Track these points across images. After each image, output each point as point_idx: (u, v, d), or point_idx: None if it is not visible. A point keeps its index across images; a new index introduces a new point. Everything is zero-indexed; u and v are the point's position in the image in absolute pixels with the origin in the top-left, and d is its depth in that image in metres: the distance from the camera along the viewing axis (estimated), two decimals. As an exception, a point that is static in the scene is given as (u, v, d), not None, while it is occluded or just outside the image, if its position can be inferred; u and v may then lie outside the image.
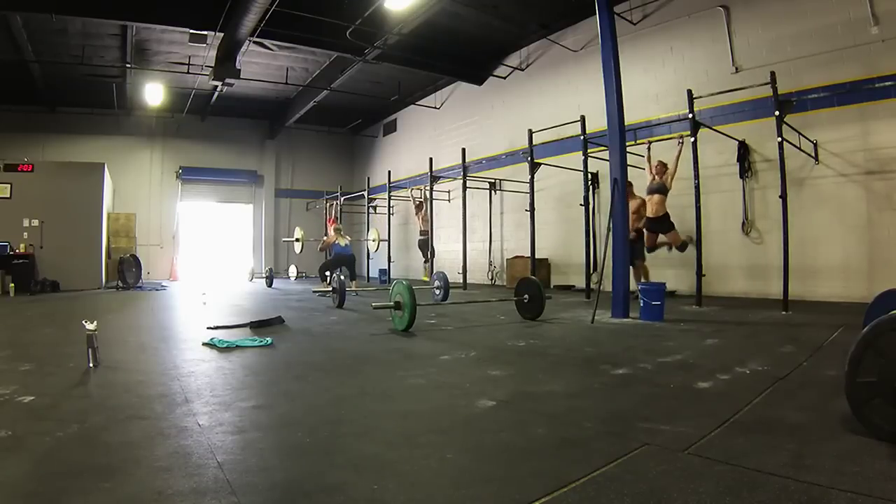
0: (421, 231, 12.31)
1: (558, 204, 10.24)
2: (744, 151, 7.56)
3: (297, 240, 14.56)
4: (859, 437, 1.87)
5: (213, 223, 16.94)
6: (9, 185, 10.48)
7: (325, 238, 12.24)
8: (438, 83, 13.81)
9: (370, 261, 14.78)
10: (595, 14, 5.98)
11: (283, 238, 16.43)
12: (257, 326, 5.01)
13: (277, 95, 14.58)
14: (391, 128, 16.70)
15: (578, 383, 2.92)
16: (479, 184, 11.47)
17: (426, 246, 12.04)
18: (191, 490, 1.51)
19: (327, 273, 10.15)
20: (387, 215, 13.55)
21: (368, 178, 14.24)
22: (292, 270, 15.70)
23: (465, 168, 10.79)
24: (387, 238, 13.29)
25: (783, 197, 5.80)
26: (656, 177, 7.05)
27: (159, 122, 15.28)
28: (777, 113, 5.84)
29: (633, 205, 7.09)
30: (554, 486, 1.54)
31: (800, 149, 6.72)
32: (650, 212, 7.02)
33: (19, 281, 9.71)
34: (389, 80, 13.24)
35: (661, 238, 7.12)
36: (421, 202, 12.41)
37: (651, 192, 7.05)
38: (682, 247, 7.02)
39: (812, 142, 6.88)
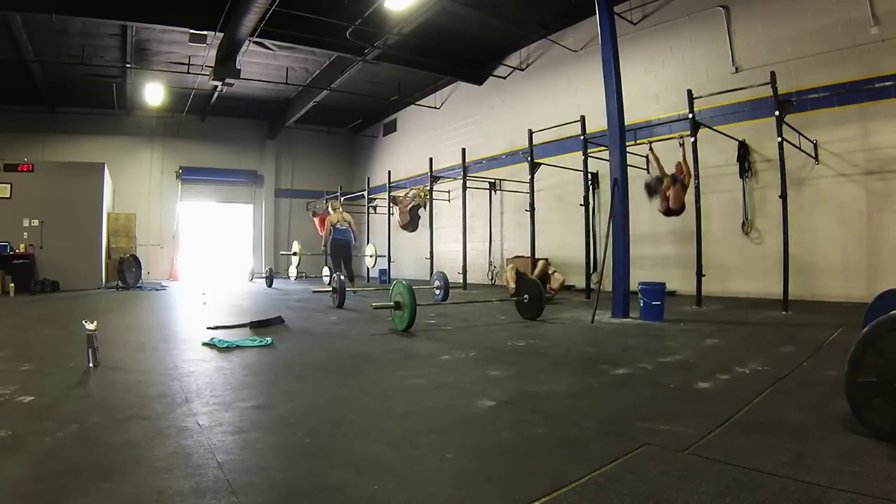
0: (401, 227, 12.03)
1: (558, 204, 10.24)
2: (744, 151, 7.56)
3: (295, 254, 13.97)
4: (859, 437, 1.87)
5: (213, 223, 16.93)
6: (9, 185, 10.48)
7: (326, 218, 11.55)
8: (438, 83, 13.81)
9: (370, 259, 14.77)
10: (595, 14, 5.98)
11: (281, 251, 16.20)
12: (257, 326, 5.01)
13: (277, 95, 14.58)
14: (391, 128, 16.70)
15: (578, 383, 2.92)
16: (479, 184, 11.46)
17: (415, 217, 11.73)
18: (191, 490, 1.52)
19: (339, 271, 9.65)
20: (387, 215, 13.55)
21: (368, 178, 14.24)
22: (292, 271, 15.67)
23: (465, 168, 10.79)
24: (386, 239, 13.30)
25: (783, 197, 5.80)
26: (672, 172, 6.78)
27: (159, 122, 15.28)
28: (777, 113, 5.84)
29: None
30: (554, 486, 1.54)
31: (800, 149, 6.72)
32: (674, 205, 6.73)
33: (19, 281, 9.71)
34: (389, 80, 13.24)
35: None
36: (396, 197, 12.12)
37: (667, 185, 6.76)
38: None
39: (812, 142, 6.88)
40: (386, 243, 13.29)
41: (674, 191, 6.70)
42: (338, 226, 9.48)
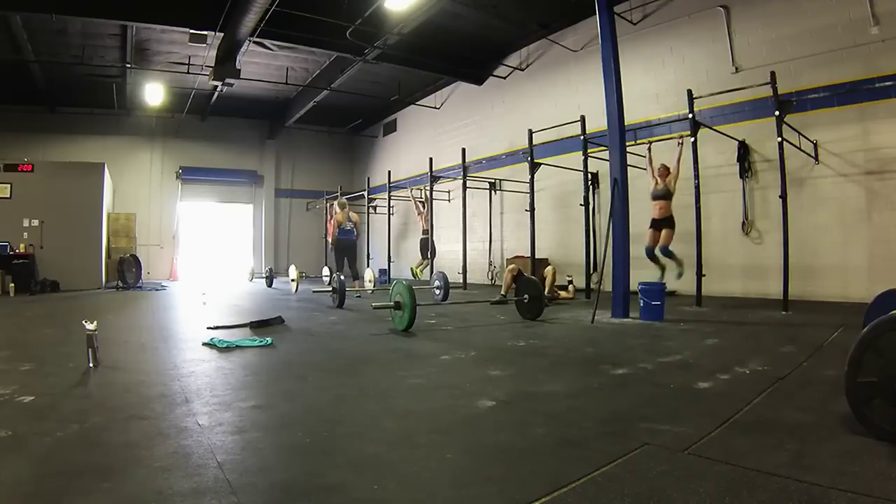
0: (423, 231, 12.19)
1: (558, 204, 10.24)
2: (744, 151, 7.56)
3: (293, 280, 13.65)
4: (859, 437, 1.87)
5: (213, 223, 16.93)
6: (9, 185, 10.48)
7: (331, 221, 11.18)
8: (438, 83, 13.80)
9: (370, 260, 14.78)
10: (595, 14, 5.97)
11: (279, 276, 15.80)
12: (257, 326, 5.01)
13: (277, 95, 14.58)
14: (391, 128, 16.70)
15: (578, 383, 2.92)
16: (479, 184, 11.46)
17: (426, 246, 11.94)
18: (191, 490, 1.51)
19: (339, 272, 9.22)
20: (387, 215, 13.56)
21: (368, 178, 14.23)
22: (292, 271, 15.60)
23: (465, 168, 10.79)
24: (387, 239, 13.30)
25: (783, 197, 5.80)
26: (659, 180, 6.98)
27: (159, 122, 15.27)
28: (777, 113, 5.84)
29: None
30: (554, 486, 1.54)
31: (800, 149, 6.72)
32: (656, 214, 6.99)
33: (19, 281, 9.71)
34: (389, 80, 13.24)
35: (663, 236, 7.05)
36: (423, 202, 12.29)
37: (656, 197, 6.99)
38: (669, 254, 6.99)
39: (812, 142, 6.88)
40: (386, 242, 13.30)
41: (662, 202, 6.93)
42: (343, 226, 9.44)
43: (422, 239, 12.20)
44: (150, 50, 11.34)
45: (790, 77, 6.88)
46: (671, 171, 6.93)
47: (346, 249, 9.46)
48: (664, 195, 6.94)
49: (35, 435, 2.00)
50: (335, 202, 10.59)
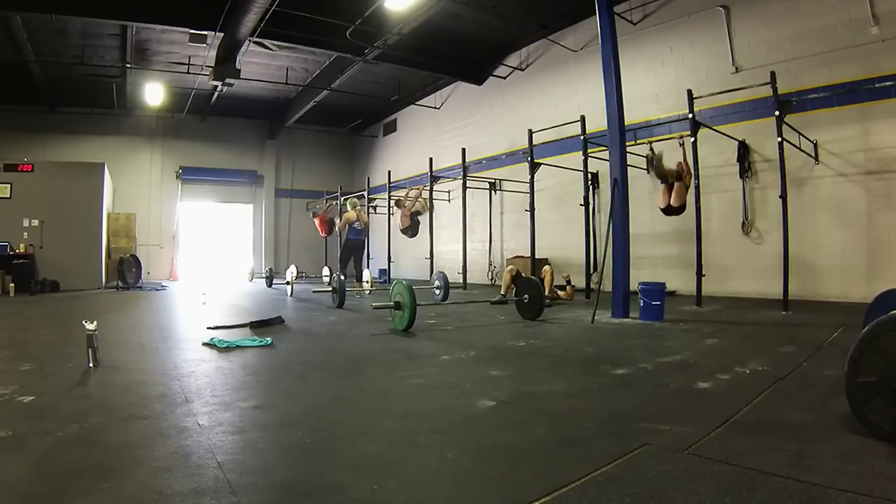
0: (400, 230, 11.96)
1: (558, 204, 10.24)
2: (744, 151, 7.56)
3: (288, 283, 13.49)
4: (859, 437, 1.87)
5: (213, 223, 16.93)
6: (9, 185, 10.48)
7: (344, 215, 10.86)
8: (438, 83, 13.80)
9: (370, 260, 14.78)
10: (595, 14, 5.98)
11: (276, 281, 15.68)
12: (257, 326, 5.01)
13: (277, 95, 14.58)
14: (391, 128, 16.70)
15: (578, 383, 2.91)
16: (479, 184, 11.46)
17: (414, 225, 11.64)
18: (191, 490, 1.51)
19: (344, 271, 9.29)
20: (387, 215, 13.54)
21: (368, 179, 14.22)
22: (291, 272, 15.54)
23: (465, 168, 10.79)
24: (386, 239, 13.28)
25: (783, 197, 5.80)
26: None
27: (159, 122, 15.28)
28: (777, 113, 5.83)
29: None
30: (554, 486, 1.54)
31: (800, 149, 6.72)
32: (676, 202, 6.85)
33: (19, 281, 9.71)
34: (389, 80, 13.24)
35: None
36: (399, 199, 12.05)
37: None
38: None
39: (812, 142, 6.88)
40: (386, 242, 13.29)
41: (677, 187, 6.72)
42: (355, 225, 9.33)
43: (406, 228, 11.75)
44: (150, 50, 11.34)
45: (790, 77, 6.88)
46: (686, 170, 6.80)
47: (356, 249, 9.41)
48: (678, 177, 6.82)
49: (35, 435, 2.00)
50: (346, 200, 10.47)
